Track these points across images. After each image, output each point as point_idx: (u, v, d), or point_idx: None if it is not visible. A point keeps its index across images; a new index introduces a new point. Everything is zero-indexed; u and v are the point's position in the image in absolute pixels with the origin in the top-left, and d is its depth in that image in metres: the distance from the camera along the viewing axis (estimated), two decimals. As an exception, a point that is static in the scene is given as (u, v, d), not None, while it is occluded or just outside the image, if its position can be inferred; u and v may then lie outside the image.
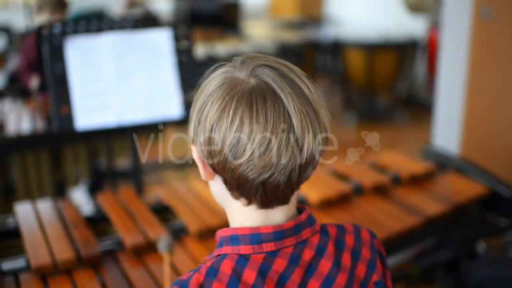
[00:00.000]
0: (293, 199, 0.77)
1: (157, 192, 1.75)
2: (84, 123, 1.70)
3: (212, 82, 0.75)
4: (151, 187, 2.54)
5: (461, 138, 2.73)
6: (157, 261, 1.35)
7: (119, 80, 1.75)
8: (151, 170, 3.28)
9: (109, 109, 1.72)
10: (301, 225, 0.76)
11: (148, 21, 2.17)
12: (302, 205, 0.80)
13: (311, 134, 0.71)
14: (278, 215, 0.76)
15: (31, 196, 2.47)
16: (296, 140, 0.70)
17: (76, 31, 1.75)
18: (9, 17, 5.10)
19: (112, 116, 1.73)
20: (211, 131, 0.71)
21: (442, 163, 2.00)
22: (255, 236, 0.74)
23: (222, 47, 4.39)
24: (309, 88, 0.73)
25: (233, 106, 0.70)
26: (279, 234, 0.74)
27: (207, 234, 1.47)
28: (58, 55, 1.70)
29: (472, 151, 2.65)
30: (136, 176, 1.84)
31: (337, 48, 5.08)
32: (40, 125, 2.49)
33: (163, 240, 1.17)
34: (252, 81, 0.72)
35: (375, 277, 0.80)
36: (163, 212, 1.63)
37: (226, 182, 0.74)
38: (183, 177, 3.74)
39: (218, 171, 0.74)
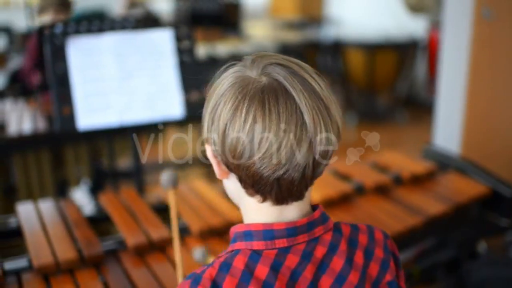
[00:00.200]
0: (307, 195, 0.78)
1: (158, 192, 1.75)
2: (85, 123, 1.70)
3: (224, 81, 0.75)
4: (152, 187, 2.55)
5: (461, 138, 2.74)
6: (159, 261, 1.35)
7: (121, 80, 1.75)
8: (151, 170, 3.28)
9: (111, 109, 1.73)
10: (314, 222, 0.77)
11: (150, 21, 2.17)
12: (316, 203, 0.81)
13: (323, 130, 0.72)
14: (292, 212, 0.77)
15: (32, 196, 2.48)
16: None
17: (77, 31, 1.75)
18: (9, 17, 5.09)
19: (114, 116, 1.73)
20: (224, 130, 0.72)
21: (443, 163, 2.00)
22: (268, 232, 0.75)
23: (222, 47, 4.39)
24: (319, 85, 0.74)
25: (245, 105, 0.71)
26: (292, 230, 0.75)
27: (208, 234, 1.47)
28: (59, 55, 1.70)
29: (473, 151, 2.65)
30: (137, 176, 1.84)
31: (338, 48, 5.08)
32: (42, 125, 2.49)
33: (166, 175, 1.09)
34: (264, 79, 0.73)
35: (388, 277, 0.80)
36: (164, 212, 1.63)
37: (241, 180, 0.75)
38: (183, 177, 3.75)
39: (232, 169, 0.75)
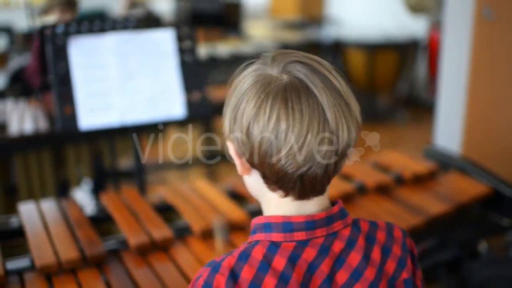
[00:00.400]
0: (327, 190, 0.80)
1: (160, 192, 1.75)
2: (87, 123, 1.70)
3: (245, 80, 0.76)
4: (153, 186, 2.55)
5: (462, 138, 2.74)
6: (161, 261, 1.36)
7: (122, 80, 1.76)
8: (152, 170, 3.29)
9: (113, 109, 1.73)
10: (333, 217, 0.78)
11: (151, 21, 2.17)
12: (335, 199, 0.82)
13: (344, 126, 0.73)
14: (311, 206, 0.78)
15: (33, 196, 2.48)
16: (331, 133, 0.72)
17: (79, 31, 1.75)
18: (10, 17, 5.10)
19: (116, 116, 1.73)
20: (248, 128, 0.74)
21: (444, 163, 2.00)
22: (287, 225, 0.76)
23: (223, 48, 4.39)
24: (339, 82, 0.76)
25: (269, 104, 0.72)
26: (310, 224, 0.76)
27: (210, 234, 1.47)
28: (61, 55, 1.71)
29: (474, 151, 2.65)
30: (139, 176, 1.84)
31: (338, 48, 5.08)
32: (43, 125, 2.49)
33: (219, 227, 1.39)
34: (285, 77, 0.74)
35: (404, 275, 0.81)
36: (166, 211, 1.64)
37: (264, 176, 0.77)
38: (184, 177, 3.75)
39: (256, 166, 0.76)
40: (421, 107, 5.35)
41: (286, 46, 4.93)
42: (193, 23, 4.12)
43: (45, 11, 2.90)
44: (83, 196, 2.95)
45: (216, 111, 3.31)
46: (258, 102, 0.73)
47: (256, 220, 0.80)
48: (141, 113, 1.75)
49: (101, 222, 1.57)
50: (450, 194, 1.79)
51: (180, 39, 1.83)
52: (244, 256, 0.75)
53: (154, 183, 3.20)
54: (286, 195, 0.77)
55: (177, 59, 1.81)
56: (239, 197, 1.73)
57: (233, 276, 0.73)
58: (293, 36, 5.54)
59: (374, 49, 4.87)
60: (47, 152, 2.52)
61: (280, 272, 0.73)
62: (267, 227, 0.77)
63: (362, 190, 1.77)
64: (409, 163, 1.97)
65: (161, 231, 1.45)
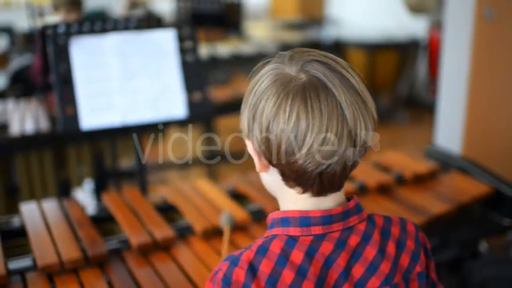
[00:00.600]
0: (344, 186, 0.81)
1: (162, 192, 1.75)
2: (89, 123, 1.70)
3: (264, 78, 0.77)
4: (153, 186, 2.55)
5: (463, 138, 2.74)
6: (163, 260, 1.36)
7: (124, 80, 1.76)
8: (152, 170, 3.29)
9: (114, 109, 1.73)
10: (349, 212, 0.80)
11: (153, 20, 2.18)
12: (351, 194, 0.84)
13: (362, 123, 0.75)
14: (328, 201, 0.80)
15: (34, 196, 2.48)
16: (350, 131, 0.74)
17: (80, 31, 1.75)
18: (11, 17, 5.10)
19: (117, 116, 1.73)
20: (268, 127, 0.75)
21: (445, 163, 2.00)
22: (304, 219, 0.78)
23: (223, 48, 4.39)
24: (355, 79, 0.77)
25: (289, 103, 0.73)
26: (327, 218, 0.78)
27: (212, 233, 1.47)
28: (63, 55, 1.71)
29: (474, 151, 2.66)
30: (141, 176, 1.84)
31: (338, 48, 5.09)
32: (44, 125, 2.49)
33: (225, 215, 1.42)
34: (303, 76, 0.75)
35: (418, 268, 0.83)
36: (168, 211, 1.64)
37: (283, 174, 0.78)
38: (184, 177, 3.75)
39: (275, 164, 0.77)
40: (421, 107, 5.36)
41: (286, 47, 4.91)
42: (194, 23, 4.11)
43: (51, 10, 2.91)
44: (84, 196, 2.95)
45: (216, 111, 3.32)
46: (278, 101, 0.74)
47: (274, 215, 0.82)
48: (142, 113, 1.76)
49: (103, 222, 1.57)
50: (451, 194, 1.80)
51: (181, 39, 1.83)
52: (263, 250, 0.76)
53: (155, 183, 3.20)
54: (304, 191, 0.78)
55: (178, 59, 1.81)
56: (241, 196, 1.73)
57: (252, 269, 0.75)
58: (293, 36, 5.54)
59: (374, 49, 4.88)
60: (48, 152, 2.53)
61: (298, 265, 0.75)
62: (285, 221, 0.79)
63: (363, 190, 1.78)
64: (409, 163, 1.97)
65: (162, 231, 1.45)
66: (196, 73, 1.83)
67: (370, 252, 0.78)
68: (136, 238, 1.41)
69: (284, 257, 0.75)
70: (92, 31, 1.77)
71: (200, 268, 1.32)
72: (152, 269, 1.32)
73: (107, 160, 2.78)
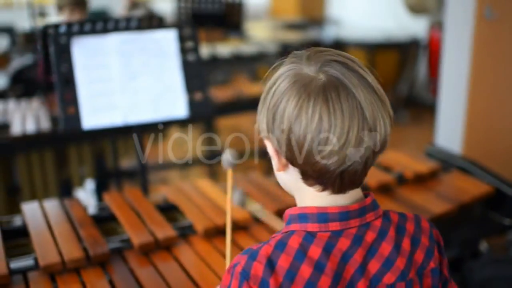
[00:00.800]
0: (363, 182, 0.82)
1: (163, 192, 1.76)
2: (90, 123, 1.70)
3: (283, 79, 0.78)
4: (155, 186, 2.55)
5: (463, 138, 2.74)
6: (165, 260, 1.36)
7: (125, 80, 1.76)
8: (153, 169, 3.29)
9: (115, 109, 1.73)
10: (366, 209, 0.81)
11: (155, 21, 2.18)
12: (367, 191, 0.85)
13: (381, 121, 0.76)
14: (345, 198, 0.81)
15: (36, 196, 2.48)
16: (370, 129, 0.75)
17: (82, 32, 1.76)
18: (12, 17, 5.11)
19: (118, 116, 1.74)
20: (290, 128, 0.75)
21: (446, 163, 2.01)
22: (322, 215, 0.79)
23: (224, 48, 4.39)
24: (372, 78, 0.78)
25: (311, 104, 0.74)
26: (344, 215, 0.79)
27: (213, 233, 1.48)
28: (64, 56, 1.71)
29: (475, 150, 2.66)
30: (142, 175, 1.85)
31: (339, 48, 5.03)
32: (45, 125, 2.50)
33: (226, 154, 1.15)
34: (322, 76, 0.76)
35: (432, 264, 0.84)
36: (169, 211, 1.64)
37: (304, 173, 0.79)
38: (185, 177, 3.76)
39: (297, 164, 0.78)
40: (421, 107, 5.36)
41: (286, 47, 4.93)
42: (194, 24, 4.11)
43: (55, 10, 2.92)
44: (85, 196, 2.95)
45: (216, 111, 3.32)
46: (299, 103, 0.74)
47: (291, 211, 0.82)
48: (144, 113, 1.76)
49: (104, 221, 1.58)
50: (452, 194, 1.80)
51: (182, 39, 1.83)
52: (281, 245, 0.77)
53: (155, 183, 3.20)
54: (324, 189, 0.79)
55: (180, 59, 1.82)
56: (242, 196, 1.73)
57: (270, 264, 0.76)
58: (293, 37, 5.54)
59: (375, 49, 4.88)
60: (49, 152, 2.53)
61: (316, 260, 0.76)
62: (302, 217, 0.80)
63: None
64: (410, 162, 1.98)
65: (164, 230, 1.45)
66: (197, 73, 1.84)
67: (386, 248, 0.80)
68: (137, 238, 1.41)
69: (302, 252, 0.76)
70: (93, 31, 1.78)
71: (201, 268, 1.32)
72: (154, 269, 1.32)
73: (108, 160, 2.79)
